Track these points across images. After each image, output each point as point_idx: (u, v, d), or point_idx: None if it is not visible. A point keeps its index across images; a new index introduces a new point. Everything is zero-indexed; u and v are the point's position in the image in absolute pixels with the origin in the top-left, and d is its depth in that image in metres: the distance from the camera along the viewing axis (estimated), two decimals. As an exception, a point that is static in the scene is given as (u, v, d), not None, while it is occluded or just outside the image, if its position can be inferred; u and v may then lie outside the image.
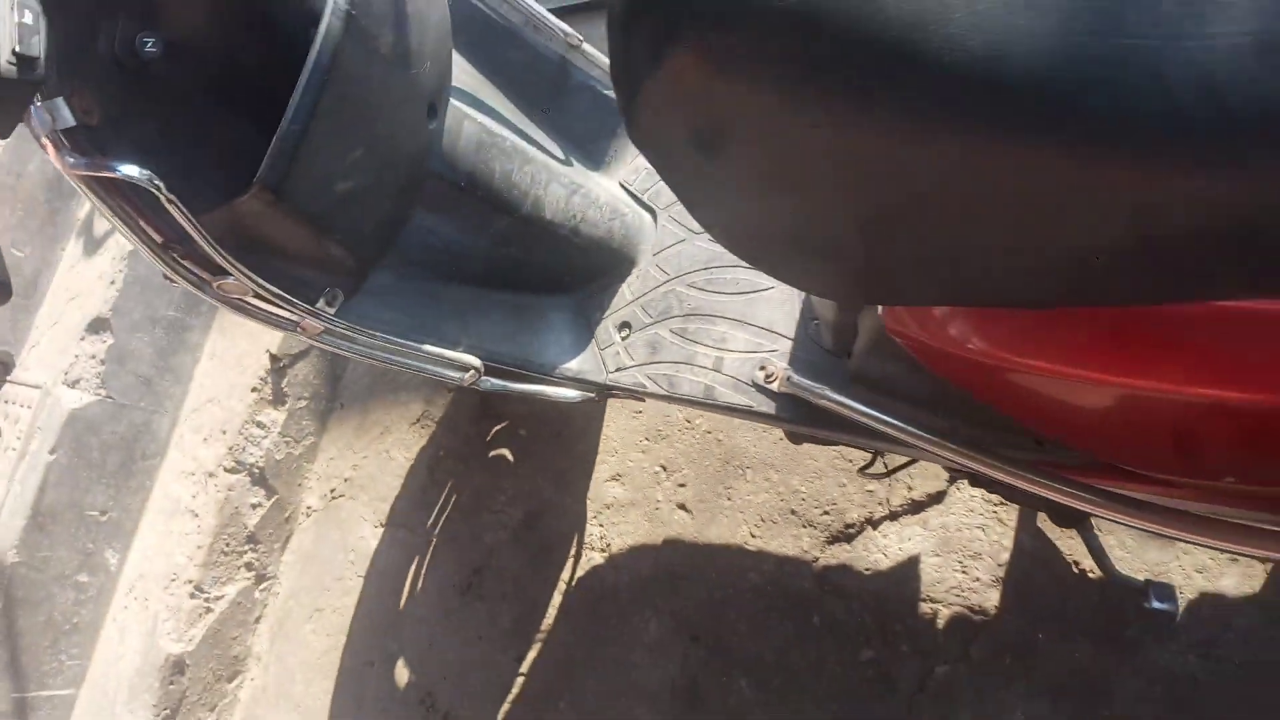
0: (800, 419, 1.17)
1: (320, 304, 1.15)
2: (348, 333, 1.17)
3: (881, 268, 0.61)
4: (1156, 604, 1.25)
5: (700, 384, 1.26)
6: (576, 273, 1.42)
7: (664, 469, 1.77)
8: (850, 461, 1.57)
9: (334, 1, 0.93)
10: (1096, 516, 0.97)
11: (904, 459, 1.27)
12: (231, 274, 1.01)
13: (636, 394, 1.36)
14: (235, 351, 2.28)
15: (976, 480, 1.14)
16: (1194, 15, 0.40)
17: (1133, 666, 1.25)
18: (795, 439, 1.32)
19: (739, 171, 0.59)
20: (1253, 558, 1.20)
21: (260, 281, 1.03)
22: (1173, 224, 0.45)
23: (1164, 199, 0.43)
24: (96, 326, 2.20)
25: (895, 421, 0.96)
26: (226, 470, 2.17)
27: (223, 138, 1.04)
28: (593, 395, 1.40)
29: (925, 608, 1.43)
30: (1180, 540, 1.06)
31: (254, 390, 2.19)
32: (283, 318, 1.13)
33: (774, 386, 1.18)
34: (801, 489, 1.61)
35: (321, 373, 2.29)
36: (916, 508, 1.50)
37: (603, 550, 1.78)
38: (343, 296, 1.17)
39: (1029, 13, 0.42)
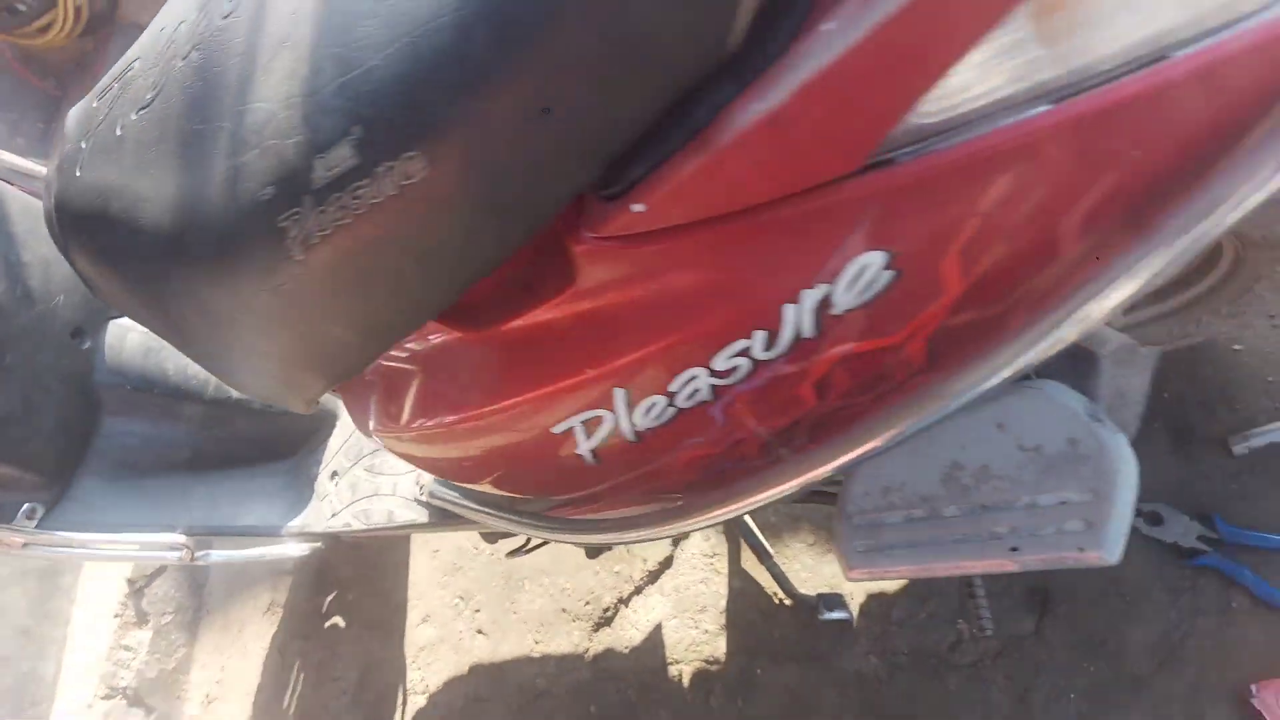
0: (449, 521, 1.29)
1: (19, 519, 1.30)
2: (53, 541, 1.31)
3: (234, 374, 0.77)
4: (829, 614, 1.32)
5: (385, 511, 1.39)
6: (288, 437, 1.57)
7: (462, 599, 1.86)
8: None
9: (-73, 271, 1.13)
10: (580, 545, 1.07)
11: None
12: (-100, 512, 1.17)
13: (350, 534, 1.48)
14: (101, 583, 2.40)
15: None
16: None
17: (830, 678, 1.31)
18: (487, 539, 1.43)
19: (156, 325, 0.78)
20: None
21: (-74, 513, 1.18)
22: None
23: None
24: (-33, 590, 2.34)
25: (471, 505, 1.08)
26: (101, 699, 2.25)
27: None
28: (319, 545, 1.52)
29: (673, 670, 1.49)
30: (621, 543, 1.15)
31: (116, 616, 2.30)
32: (-21, 538, 1.28)
33: (425, 498, 1.31)
34: (567, 585, 1.70)
35: (182, 585, 2.41)
36: (653, 577, 1.58)
37: (423, 692, 1.85)
38: (42, 509, 1.32)
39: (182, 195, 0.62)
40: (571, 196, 0.48)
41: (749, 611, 1.44)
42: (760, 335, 0.53)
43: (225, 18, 0.63)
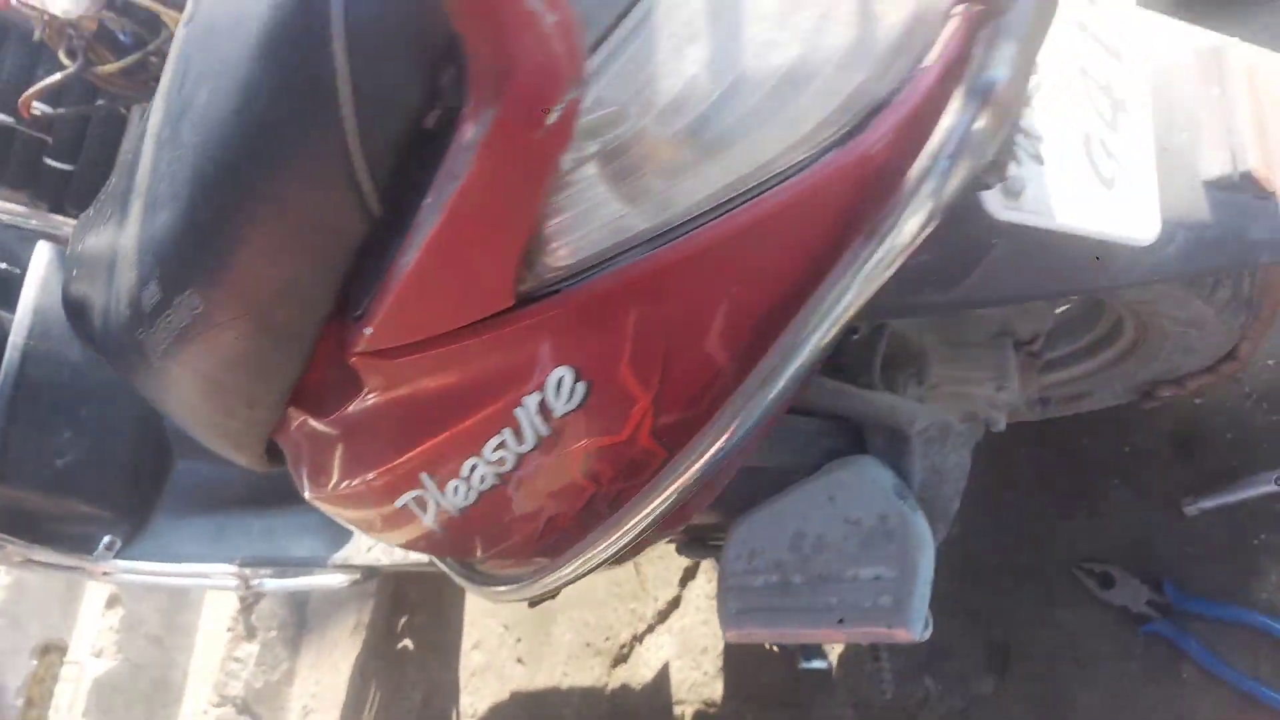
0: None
1: (100, 551, 1.51)
2: (129, 570, 1.52)
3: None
4: (808, 663, 1.33)
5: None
6: (336, 478, 1.74)
7: (506, 628, 1.98)
8: (617, 585, 1.73)
9: (12, 339, 1.35)
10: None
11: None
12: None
13: (381, 567, 1.61)
14: (218, 599, 2.69)
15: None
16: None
17: (808, 728, 1.32)
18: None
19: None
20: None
21: (20, 544, 1.40)
22: None
23: None
24: (111, 602, 2.67)
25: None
26: (214, 705, 2.52)
27: None
28: (358, 576, 1.67)
29: (677, 710, 1.54)
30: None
31: (229, 630, 2.57)
32: (66, 566, 1.50)
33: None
34: (591, 620, 1.77)
35: (286, 604, 2.65)
36: (663, 616, 1.64)
37: (472, 716, 1.97)
38: (120, 542, 1.53)
39: None
40: (319, 324, 0.58)
41: (741, 655, 1.47)
42: (508, 432, 0.60)
43: (135, 157, 0.77)
